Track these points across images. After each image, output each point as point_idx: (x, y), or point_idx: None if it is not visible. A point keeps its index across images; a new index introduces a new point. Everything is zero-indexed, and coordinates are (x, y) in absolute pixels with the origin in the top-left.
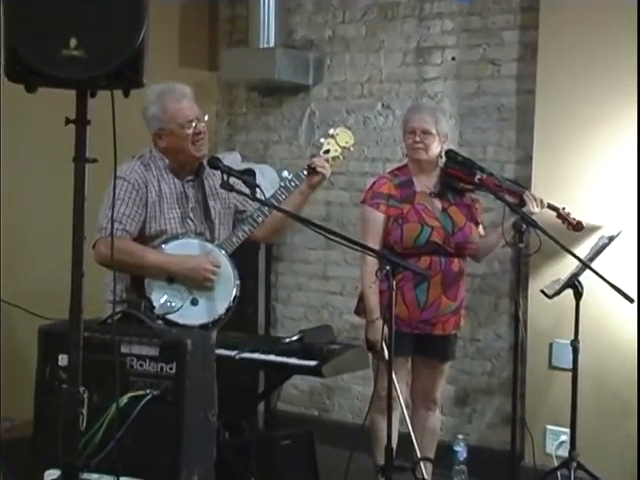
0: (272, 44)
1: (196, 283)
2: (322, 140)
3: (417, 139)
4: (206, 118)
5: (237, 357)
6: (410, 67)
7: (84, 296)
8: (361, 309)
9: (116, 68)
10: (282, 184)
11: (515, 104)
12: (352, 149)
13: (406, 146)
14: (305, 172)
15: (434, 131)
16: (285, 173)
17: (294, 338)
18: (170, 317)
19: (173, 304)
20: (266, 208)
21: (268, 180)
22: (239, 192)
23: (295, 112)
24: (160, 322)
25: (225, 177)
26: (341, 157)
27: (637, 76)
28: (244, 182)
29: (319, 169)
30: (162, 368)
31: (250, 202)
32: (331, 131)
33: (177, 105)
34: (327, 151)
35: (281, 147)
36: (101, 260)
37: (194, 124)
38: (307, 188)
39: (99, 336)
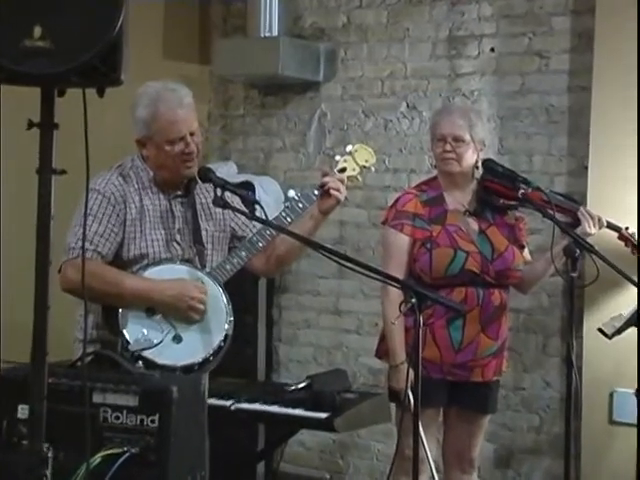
0: (275, 32)
1: (180, 314)
2: (338, 157)
3: (447, 147)
4: (199, 138)
5: (233, 408)
6: (440, 60)
7: (50, 334)
8: (383, 351)
9: (88, 62)
10: (288, 205)
11: (567, 104)
12: (373, 169)
13: (435, 156)
14: (316, 193)
15: (468, 137)
16: (291, 193)
17: (301, 385)
18: (146, 355)
19: (150, 338)
20: (267, 231)
21: (270, 195)
22: (235, 209)
23: (303, 114)
24: (140, 365)
25: (219, 192)
26: (359, 177)
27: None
28: (241, 198)
29: (333, 192)
30: (142, 421)
31: (251, 227)
32: (349, 148)
33: (171, 115)
34: (343, 169)
35: (286, 156)
36: (67, 286)
37: (186, 141)
38: (319, 213)
39: (66, 382)
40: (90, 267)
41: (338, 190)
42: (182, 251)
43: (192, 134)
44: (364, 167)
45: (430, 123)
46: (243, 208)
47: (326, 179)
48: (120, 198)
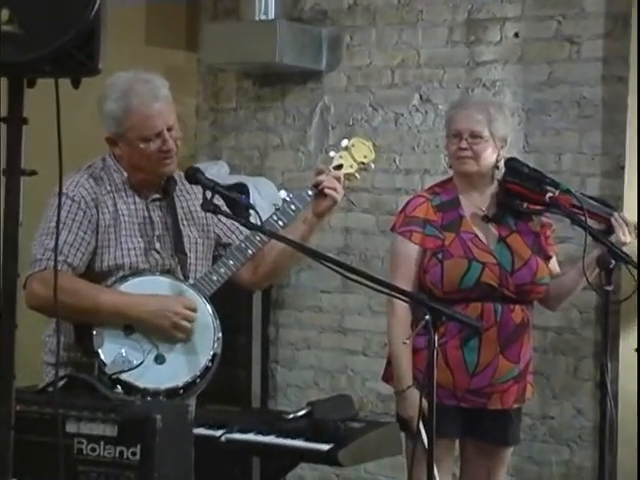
0: (272, 15)
1: (163, 333)
2: (332, 153)
3: (463, 145)
4: (178, 133)
5: (224, 439)
6: (458, 47)
7: (17, 355)
8: (390, 374)
9: (62, 49)
10: (278, 207)
11: (600, 96)
12: (373, 165)
13: (450, 154)
14: (310, 193)
15: (487, 133)
16: (283, 193)
17: (300, 413)
18: (125, 377)
19: (130, 359)
20: (257, 237)
21: (266, 199)
22: (227, 215)
23: (303, 107)
24: (119, 390)
25: (208, 195)
26: (357, 175)
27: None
28: (232, 201)
29: (328, 192)
30: (122, 453)
31: (237, 233)
32: (344, 142)
33: (145, 109)
34: (339, 166)
35: (284, 155)
36: (35, 303)
37: (163, 137)
38: (313, 216)
39: (37, 410)
40: (60, 281)
41: (334, 189)
42: (162, 261)
43: (169, 129)
44: (362, 164)
45: (445, 118)
46: (239, 214)
47: (320, 177)
48: (92, 202)
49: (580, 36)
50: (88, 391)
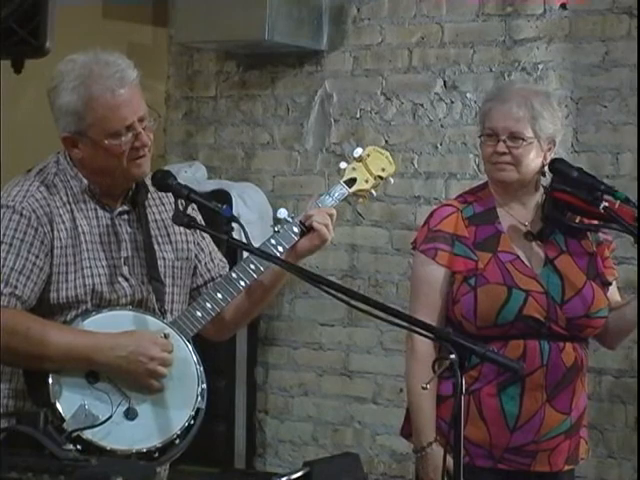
0: None
1: (134, 381)
2: (343, 165)
3: (501, 148)
4: (152, 123)
5: None
6: (491, 21)
7: None
8: (411, 428)
9: (2, 24)
10: (278, 229)
11: None
12: (392, 180)
13: (484, 157)
14: (295, 230)
15: (530, 134)
16: (283, 213)
17: (295, 476)
18: (88, 436)
19: (94, 413)
20: (252, 265)
21: (253, 210)
22: (204, 230)
23: (299, 96)
24: (71, 447)
25: (181, 204)
26: (373, 192)
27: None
28: (209, 213)
29: (317, 225)
30: None
31: (217, 260)
32: (358, 152)
33: (110, 98)
34: (352, 180)
35: (274, 155)
36: None
37: (135, 130)
38: (295, 256)
39: None
40: (6, 319)
41: (326, 226)
42: (132, 290)
43: (141, 120)
44: (380, 178)
45: (479, 112)
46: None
47: (311, 212)
48: (45, 218)
49: None
50: (32, 448)
